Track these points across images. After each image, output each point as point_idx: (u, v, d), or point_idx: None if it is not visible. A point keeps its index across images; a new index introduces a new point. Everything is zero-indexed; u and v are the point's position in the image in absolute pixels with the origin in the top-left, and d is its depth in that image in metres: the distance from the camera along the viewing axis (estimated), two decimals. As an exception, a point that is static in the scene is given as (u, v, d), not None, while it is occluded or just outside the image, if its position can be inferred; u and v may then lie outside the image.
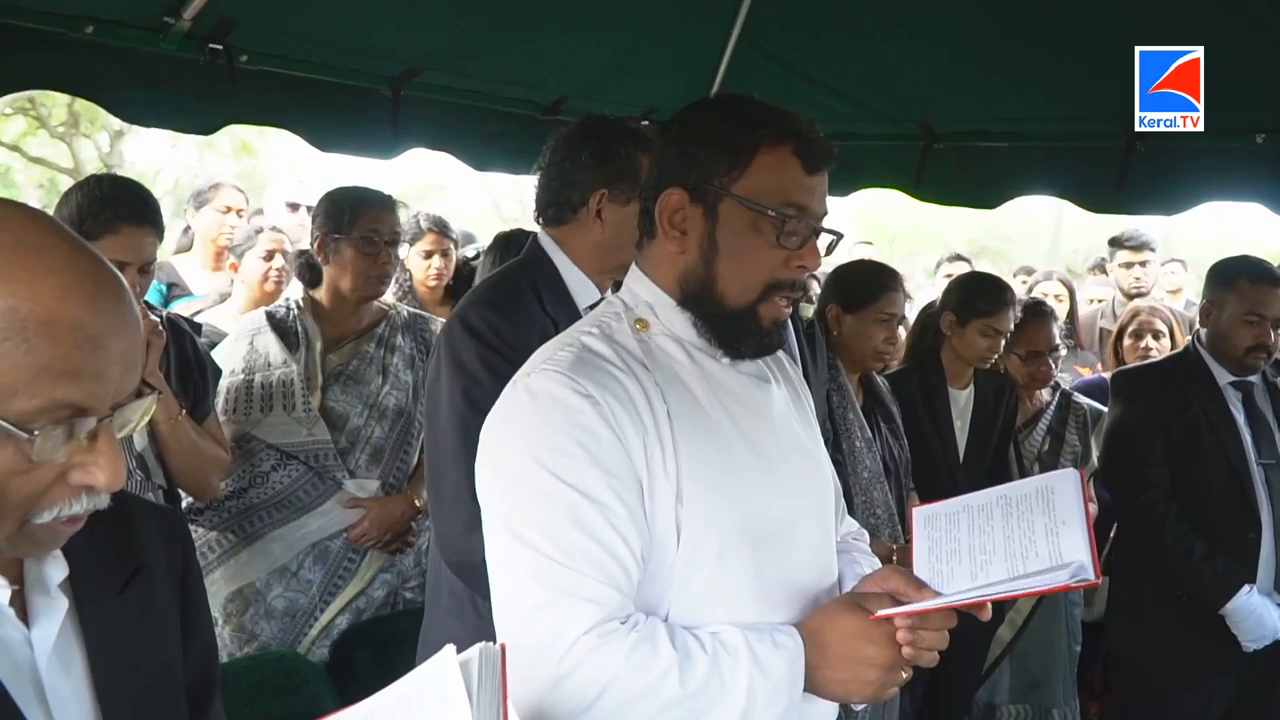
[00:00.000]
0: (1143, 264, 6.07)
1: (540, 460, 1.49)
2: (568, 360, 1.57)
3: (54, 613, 1.16)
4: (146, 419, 1.15)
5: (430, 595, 2.36)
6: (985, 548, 1.57)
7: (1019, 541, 1.54)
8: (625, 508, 1.50)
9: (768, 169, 1.59)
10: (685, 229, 1.62)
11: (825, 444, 3.16)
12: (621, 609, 1.48)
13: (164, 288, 5.28)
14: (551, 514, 1.48)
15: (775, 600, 1.60)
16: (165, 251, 5.87)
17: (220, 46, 3.23)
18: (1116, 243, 6.19)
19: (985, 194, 4.42)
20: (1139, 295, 5.93)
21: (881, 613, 1.51)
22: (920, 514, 1.72)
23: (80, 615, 1.19)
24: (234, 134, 16.48)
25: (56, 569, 1.17)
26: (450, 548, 2.16)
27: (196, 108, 3.40)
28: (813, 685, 1.52)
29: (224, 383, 3.15)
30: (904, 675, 1.54)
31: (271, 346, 3.18)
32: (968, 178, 4.37)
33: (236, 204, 5.12)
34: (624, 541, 1.49)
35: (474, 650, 1.12)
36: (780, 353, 1.90)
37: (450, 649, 1.11)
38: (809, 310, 3.24)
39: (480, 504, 1.59)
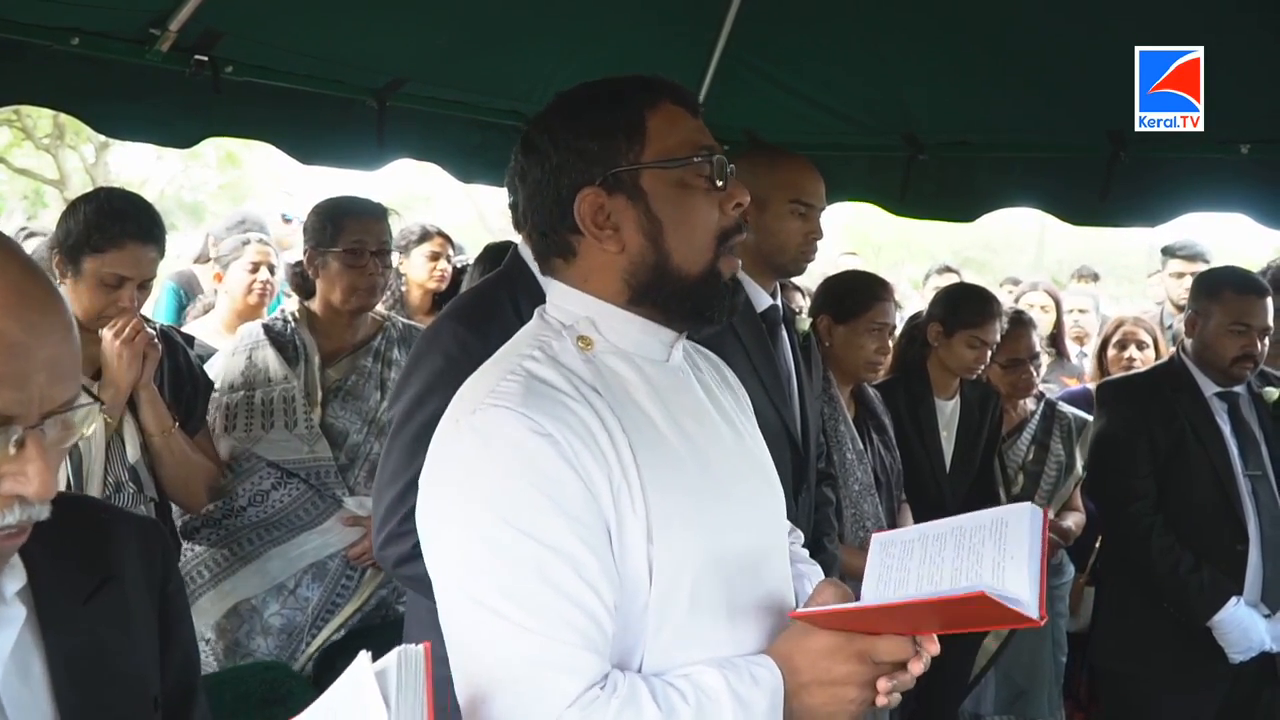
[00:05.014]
0: (1195, 274, 5.97)
1: (501, 514, 1.37)
2: (516, 392, 1.44)
3: (10, 622, 1.16)
4: (89, 429, 1.14)
5: (410, 609, 2.35)
6: (932, 578, 1.52)
7: (965, 573, 1.48)
8: (595, 558, 1.39)
9: (663, 127, 1.54)
10: (616, 224, 1.53)
11: (821, 457, 3.20)
12: (600, 672, 1.38)
13: (183, 293, 5.30)
14: (519, 575, 1.36)
15: (748, 629, 1.54)
16: (185, 260, 5.93)
17: (205, 58, 3.22)
18: (1169, 252, 6.09)
19: (965, 207, 4.42)
20: None
21: (800, 611, 1.47)
22: (878, 541, 1.67)
23: (41, 624, 1.19)
24: (219, 145, 16.51)
25: (13, 579, 1.17)
26: (374, 550, 2.23)
27: (178, 121, 3.39)
28: (792, 714, 1.45)
29: (223, 398, 3.12)
30: (883, 696, 1.46)
31: (271, 360, 3.15)
32: (949, 190, 4.36)
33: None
34: (597, 596, 1.38)
35: (392, 656, 1.09)
36: (718, 358, 1.85)
37: (364, 657, 1.08)
38: (805, 323, 3.23)
39: (430, 565, 1.47)
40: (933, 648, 1.46)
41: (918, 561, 1.55)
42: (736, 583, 1.53)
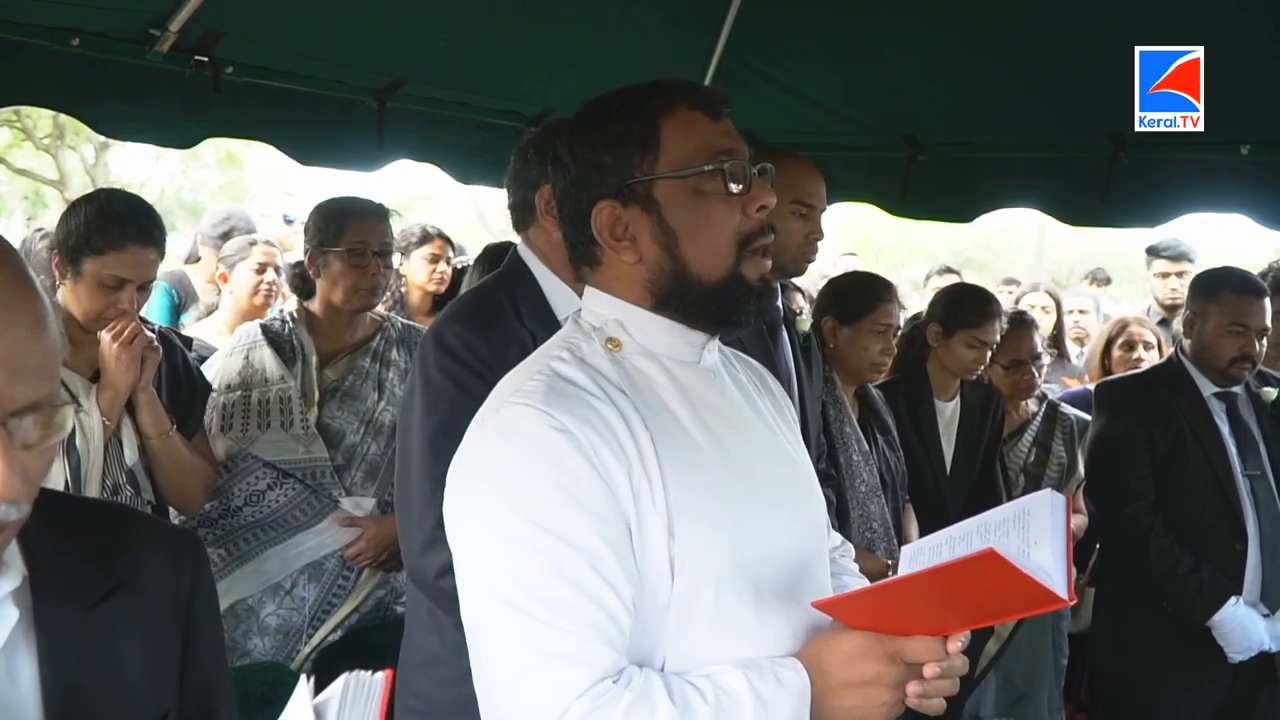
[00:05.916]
0: (1180, 274, 5.85)
1: (518, 508, 1.39)
2: (539, 391, 1.45)
3: (1, 622, 1.14)
4: (65, 431, 1.10)
5: (410, 610, 2.34)
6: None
7: None
8: (613, 553, 1.39)
9: (678, 134, 1.52)
10: (632, 235, 1.53)
11: (820, 458, 3.20)
12: (614, 666, 1.37)
13: (175, 294, 5.29)
14: (535, 568, 1.37)
15: (778, 634, 1.51)
16: (177, 260, 5.92)
17: (205, 59, 3.22)
18: (1154, 252, 6.03)
19: (965, 207, 4.42)
20: (1176, 306, 5.81)
21: (821, 600, 1.46)
22: (906, 551, 1.68)
23: (37, 627, 1.16)
24: (219, 145, 16.50)
25: (7, 579, 1.14)
26: (408, 564, 2.18)
27: (178, 122, 3.40)
28: (821, 717, 1.43)
29: (220, 398, 3.12)
30: (913, 699, 1.44)
31: (268, 361, 3.15)
32: (949, 190, 4.36)
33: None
34: (614, 591, 1.38)
35: (337, 685, 1.08)
36: (760, 365, 1.86)
37: (305, 686, 1.07)
38: (806, 324, 3.22)
39: (454, 557, 1.49)
40: (957, 646, 1.44)
41: (946, 559, 1.55)
42: (764, 587, 1.51)
